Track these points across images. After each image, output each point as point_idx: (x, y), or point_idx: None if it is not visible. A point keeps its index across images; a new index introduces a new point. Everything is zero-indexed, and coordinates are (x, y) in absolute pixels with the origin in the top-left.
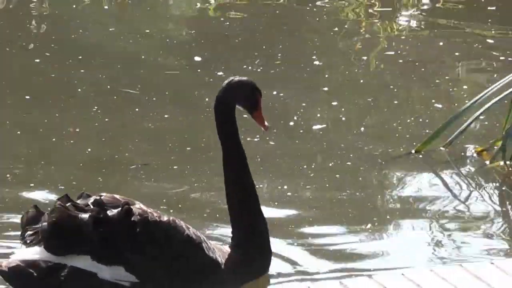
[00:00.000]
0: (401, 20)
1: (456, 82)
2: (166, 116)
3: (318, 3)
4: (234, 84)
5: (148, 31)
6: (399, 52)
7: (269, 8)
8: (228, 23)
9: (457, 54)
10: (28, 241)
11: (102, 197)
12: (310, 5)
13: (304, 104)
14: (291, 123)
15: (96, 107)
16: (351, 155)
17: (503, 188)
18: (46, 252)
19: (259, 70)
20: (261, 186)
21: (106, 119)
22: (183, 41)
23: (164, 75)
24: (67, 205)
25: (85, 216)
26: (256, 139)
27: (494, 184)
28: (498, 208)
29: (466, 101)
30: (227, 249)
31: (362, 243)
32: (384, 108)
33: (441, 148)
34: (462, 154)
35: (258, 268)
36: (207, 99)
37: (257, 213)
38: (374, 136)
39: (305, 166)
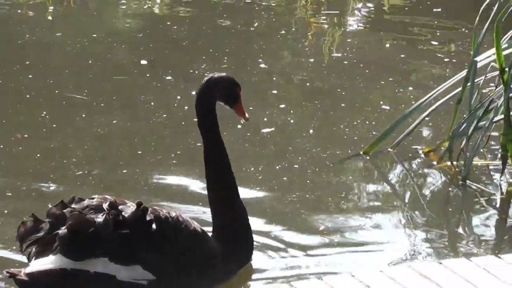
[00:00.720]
0: (349, 22)
1: (402, 84)
2: (114, 121)
3: (266, 5)
4: (213, 80)
5: (95, 35)
6: (345, 54)
7: (217, 11)
8: (175, 26)
9: (402, 56)
10: (34, 252)
11: (95, 199)
12: (256, 8)
13: (251, 108)
14: (239, 126)
15: (44, 113)
16: (300, 158)
17: (450, 188)
18: (64, 258)
19: (206, 74)
20: None
21: (54, 125)
22: (130, 45)
23: (112, 79)
24: (64, 210)
25: (100, 220)
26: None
27: (441, 184)
28: (445, 208)
29: (413, 102)
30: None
31: (313, 245)
32: (331, 111)
33: (389, 149)
34: (410, 155)
35: (246, 258)
36: (153, 104)
37: (240, 208)
38: (322, 139)
39: (252, 169)
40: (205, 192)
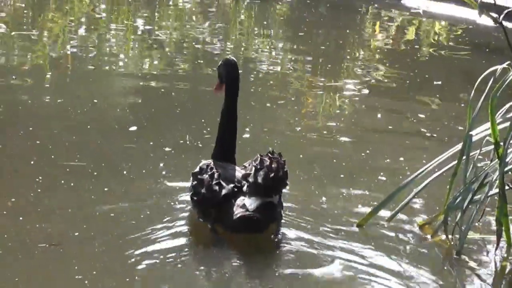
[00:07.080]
0: (345, 87)
1: (394, 155)
2: (105, 189)
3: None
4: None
5: (96, 101)
6: (338, 121)
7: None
8: (173, 93)
9: (390, 127)
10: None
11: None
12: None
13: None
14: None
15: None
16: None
17: (446, 262)
18: (260, 197)
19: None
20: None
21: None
22: (123, 109)
23: (117, 148)
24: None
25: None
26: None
27: (436, 258)
28: (440, 283)
29: (408, 173)
30: None
31: None
32: (325, 179)
33: (384, 222)
34: (405, 228)
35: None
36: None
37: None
38: (316, 207)
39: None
40: None
